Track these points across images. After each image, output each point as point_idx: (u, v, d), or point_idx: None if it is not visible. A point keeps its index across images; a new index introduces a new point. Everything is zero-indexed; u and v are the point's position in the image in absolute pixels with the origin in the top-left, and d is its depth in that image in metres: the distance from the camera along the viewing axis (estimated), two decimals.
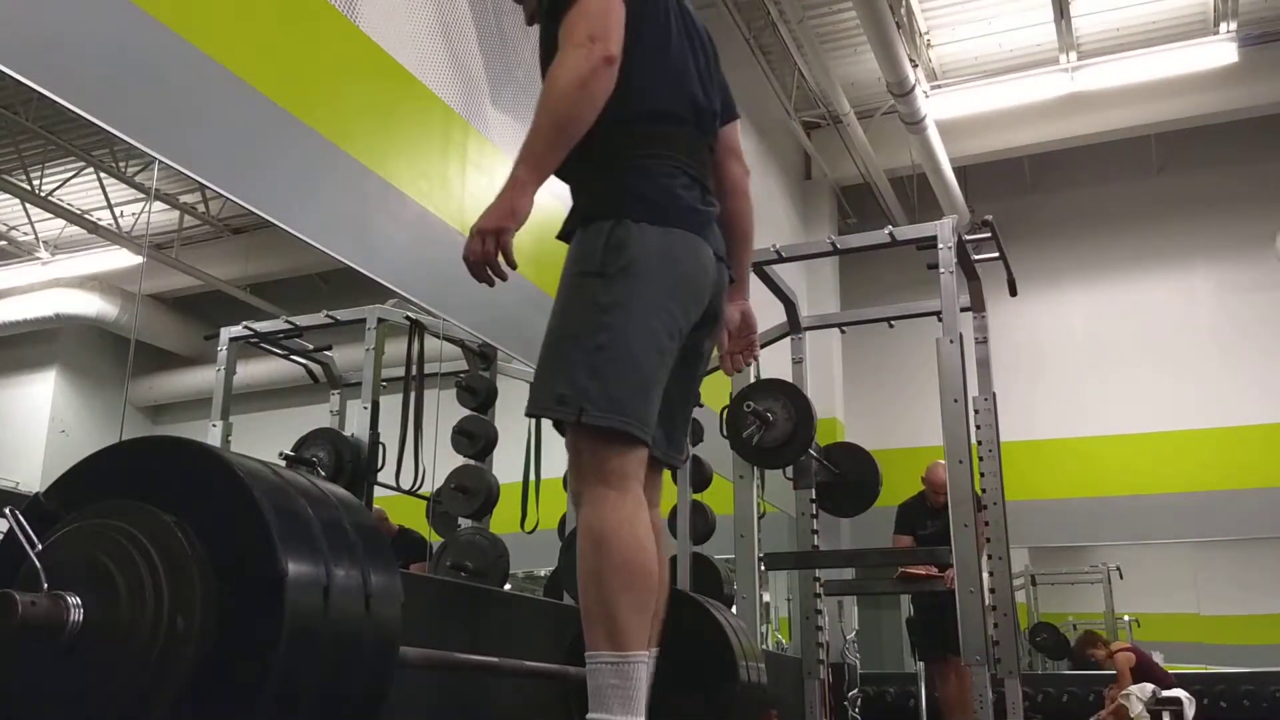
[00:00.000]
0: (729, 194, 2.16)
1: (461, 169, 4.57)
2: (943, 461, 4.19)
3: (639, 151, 1.93)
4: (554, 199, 2.12)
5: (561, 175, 1.96)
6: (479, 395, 4.44)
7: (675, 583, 4.63)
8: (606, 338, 1.81)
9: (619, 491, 1.78)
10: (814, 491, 4.89)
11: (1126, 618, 9.61)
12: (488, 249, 1.78)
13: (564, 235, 2.00)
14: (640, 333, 1.83)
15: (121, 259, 3.85)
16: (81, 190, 3.69)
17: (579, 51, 1.79)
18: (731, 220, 2.14)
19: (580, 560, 1.76)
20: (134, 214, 3.61)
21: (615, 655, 1.70)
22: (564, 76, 1.79)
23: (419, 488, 3.88)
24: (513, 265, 1.81)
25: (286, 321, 4.11)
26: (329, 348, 4.25)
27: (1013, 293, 4.96)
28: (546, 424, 1.96)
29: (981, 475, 4.34)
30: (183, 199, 3.89)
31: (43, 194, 3.63)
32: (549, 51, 1.93)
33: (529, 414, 1.91)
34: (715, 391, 5.11)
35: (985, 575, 4.13)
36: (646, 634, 1.75)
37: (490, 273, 1.81)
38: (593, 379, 1.79)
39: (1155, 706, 6.96)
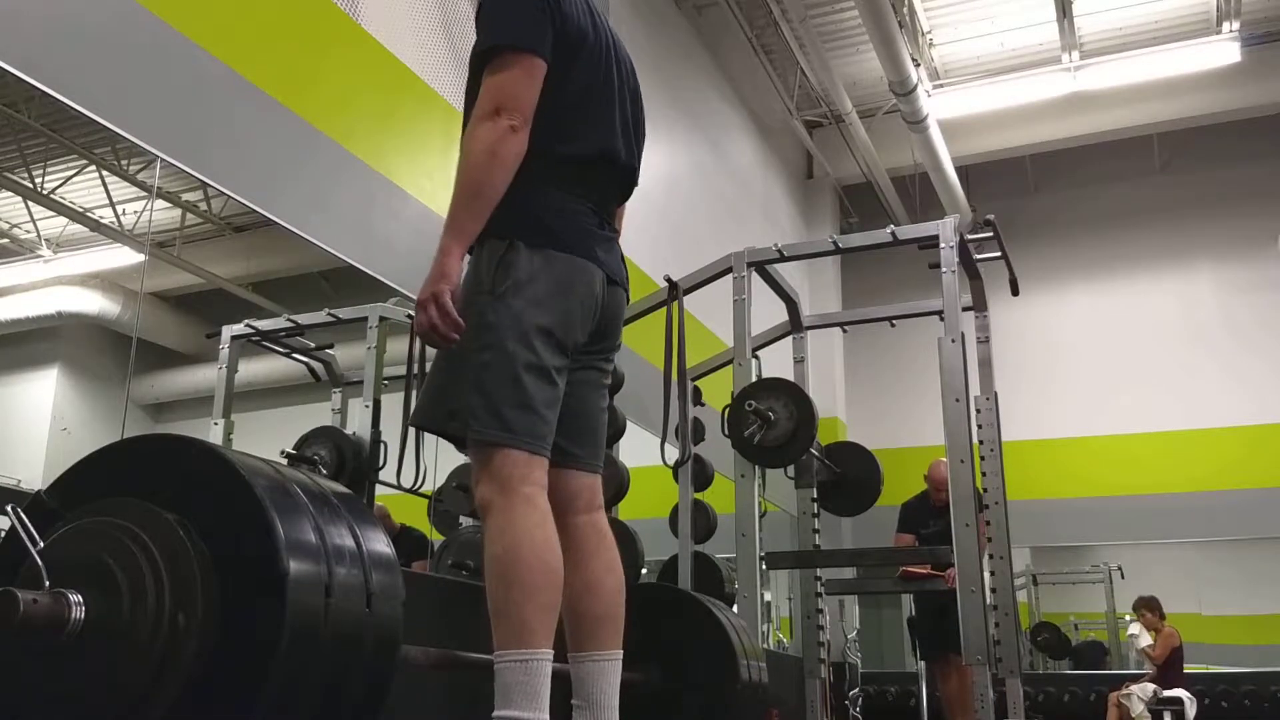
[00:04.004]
0: None
1: None
2: (945, 460, 4.19)
3: (543, 180, 2.00)
4: None
5: None
6: None
7: (677, 581, 4.63)
8: (491, 355, 1.90)
9: (526, 498, 1.87)
10: (815, 490, 4.88)
11: (1127, 618, 9.59)
12: (432, 318, 1.84)
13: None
14: (523, 350, 1.91)
15: (123, 257, 3.84)
16: (83, 188, 3.68)
17: (485, 125, 1.89)
18: None
19: (490, 564, 1.85)
20: (136, 212, 3.60)
21: (523, 653, 1.78)
22: (474, 149, 1.89)
23: (420, 486, 3.86)
24: (457, 325, 1.85)
25: (288, 319, 4.11)
26: (331, 346, 4.25)
27: (1015, 292, 4.96)
28: None
29: (983, 474, 4.34)
30: (185, 197, 3.89)
31: (45, 192, 3.63)
32: (472, 99, 2.00)
33: (415, 424, 2.03)
34: (717, 391, 5.11)
35: (987, 575, 4.13)
36: (552, 633, 1.83)
37: (441, 337, 1.86)
38: (478, 394, 1.89)
39: (1156, 706, 6.96)
